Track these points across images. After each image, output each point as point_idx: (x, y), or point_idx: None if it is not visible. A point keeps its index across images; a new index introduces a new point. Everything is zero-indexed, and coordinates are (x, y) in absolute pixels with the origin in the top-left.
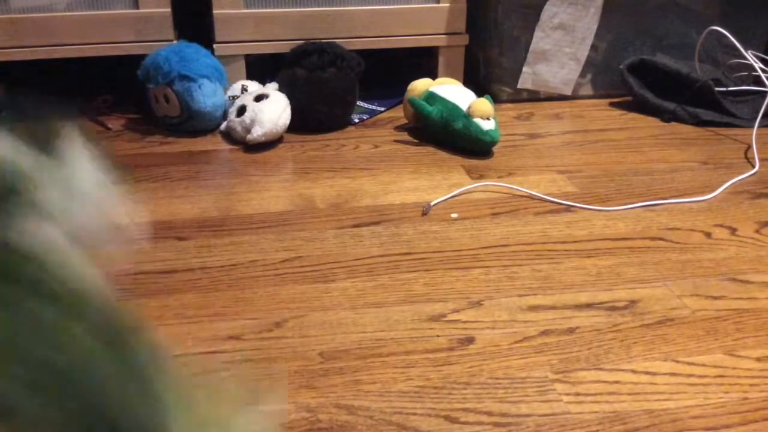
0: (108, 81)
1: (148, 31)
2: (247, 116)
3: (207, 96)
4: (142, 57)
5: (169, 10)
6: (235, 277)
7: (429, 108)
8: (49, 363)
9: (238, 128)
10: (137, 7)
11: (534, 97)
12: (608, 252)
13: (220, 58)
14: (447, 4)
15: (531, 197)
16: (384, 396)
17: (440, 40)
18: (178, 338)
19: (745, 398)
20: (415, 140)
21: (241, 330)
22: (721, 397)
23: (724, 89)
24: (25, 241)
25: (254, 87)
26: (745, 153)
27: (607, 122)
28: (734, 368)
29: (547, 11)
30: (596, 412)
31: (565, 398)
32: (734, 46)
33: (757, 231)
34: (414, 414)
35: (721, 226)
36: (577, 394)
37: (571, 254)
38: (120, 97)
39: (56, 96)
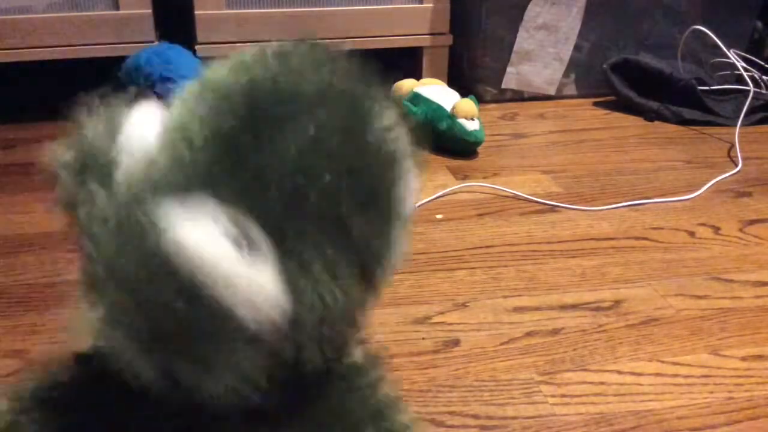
0: (89, 83)
1: (128, 32)
2: None
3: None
4: (123, 58)
5: (150, 10)
6: None
7: (413, 108)
8: None
9: None
10: (118, 8)
11: (518, 97)
12: (593, 252)
13: (203, 59)
14: (430, 5)
15: (516, 197)
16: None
17: (424, 41)
18: None
19: (730, 398)
20: None
21: None
22: (706, 397)
23: (707, 88)
24: None
25: None
26: (728, 152)
27: (591, 122)
28: (719, 368)
29: (531, 11)
30: (582, 413)
31: (551, 400)
32: (717, 45)
33: (740, 230)
34: None
35: (704, 225)
36: (563, 396)
37: (555, 255)
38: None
39: (38, 97)
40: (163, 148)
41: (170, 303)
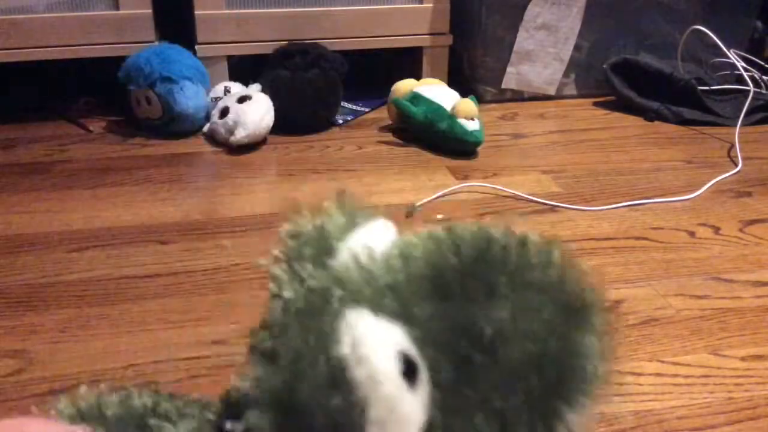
0: (89, 83)
1: (128, 32)
2: (230, 118)
3: (189, 98)
4: (123, 58)
5: (150, 10)
6: (219, 280)
7: (413, 109)
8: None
9: (221, 130)
10: (117, 8)
11: (518, 97)
12: (593, 252)
13: (202, 59)
14: (430, 5)
15: (516, 198)
16: None
17: (424, 41)
18: (161, 343)
19: (730, 398)
20: (400, 141)
21: (226, 335)
22: (706, 397)
23: (707, 88)
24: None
25: (237, 88)
26: (728, 152)
27: (591, 122)
28: (719, 368)
29: (531, 11)
30: None
31: None
32: (717, 45)
33: (740, 230)
34: None
35: (704, 225)
36: None
37: None
38: (101, 99)
39: (37, 98)
40: (380, 265)
41: (323, 403)
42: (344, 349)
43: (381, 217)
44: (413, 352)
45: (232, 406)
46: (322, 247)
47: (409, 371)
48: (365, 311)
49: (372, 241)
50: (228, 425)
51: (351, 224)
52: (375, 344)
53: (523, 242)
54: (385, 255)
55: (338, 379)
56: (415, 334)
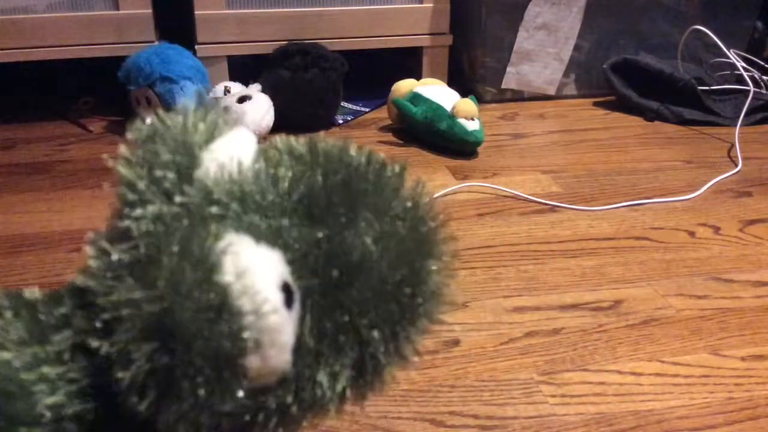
0: (89, 83)
1: (128, 32)
2: None
3: (189, 98)
4: (123, 58)
5: (150, 10)
6: None
7: (413, 108)
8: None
9: None
10: (117, 8)
11: (518, 97)
12: (593, 252)
13: (202, 59)
14: (430, 5)
15: (516, 197)
16: (369, 399)
17: (424, 41)
18: None
19: (730, 398)
20: (400, 141)
21: None
22: (706, 397)
23: (707, 88)
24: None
25: (237, 88)
26: (728, 152)
27: (591, 122)
28: (719, 368)
29: (531, 11)
30: (582, 413)
31: (551, 400)
32: (717, 45)
33: (740, 230)
34: (399, 418)
35: (704, 225)
36: (563, 396)
37: (556, 255)
38: (101, 99)
39: (37, 98)
40: (251, 183)
41: (204, 331)
42: (227, 277)
43: (240, 125)
44: (290, 279)
45: (76, 299)
46: (182, 152)
47: (288, 299)
48: (246, 238)
49: (237, 151)
50: (98, 345)
51: (210, 128)
52: (260, 275)
53: (382, 167)
54: (254, 171)
55: (221, 307)
56: (287, 258)
